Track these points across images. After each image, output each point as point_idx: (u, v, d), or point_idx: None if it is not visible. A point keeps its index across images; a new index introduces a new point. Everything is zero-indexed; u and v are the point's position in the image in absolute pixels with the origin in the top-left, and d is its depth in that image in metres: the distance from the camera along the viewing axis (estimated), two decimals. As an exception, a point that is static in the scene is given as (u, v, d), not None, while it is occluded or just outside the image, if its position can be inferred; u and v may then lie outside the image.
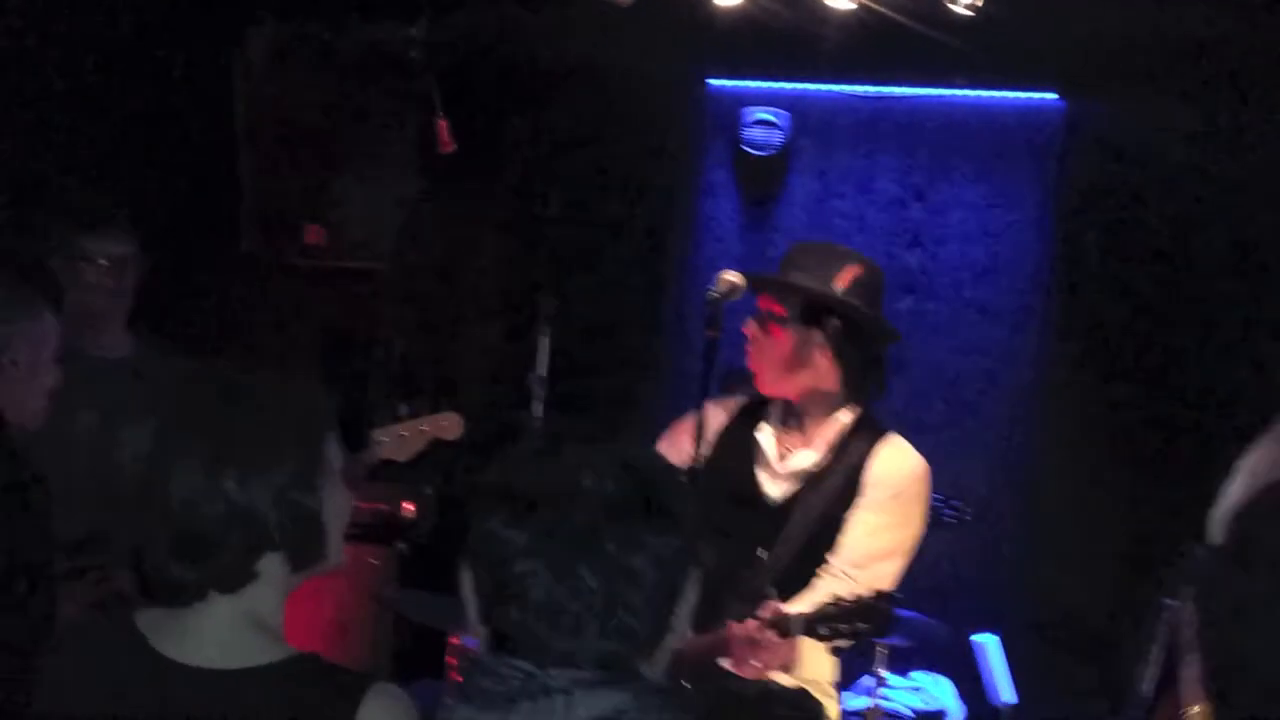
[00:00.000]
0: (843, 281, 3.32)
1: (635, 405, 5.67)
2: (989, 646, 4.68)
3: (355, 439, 4.33)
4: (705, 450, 3.33)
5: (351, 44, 5.19)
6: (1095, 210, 5.22)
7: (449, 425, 4.07)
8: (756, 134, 5.45)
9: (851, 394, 3.34)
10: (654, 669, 1.73)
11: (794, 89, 5.49)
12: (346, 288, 5.66)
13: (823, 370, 3.30)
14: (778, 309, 3.28)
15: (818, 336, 3.27)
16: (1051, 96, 5.28)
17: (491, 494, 1.71)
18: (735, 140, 5.51)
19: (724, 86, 5.58)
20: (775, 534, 3.28)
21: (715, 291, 3.18)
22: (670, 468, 1.84)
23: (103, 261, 3.68)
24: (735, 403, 3.49)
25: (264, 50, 5.26)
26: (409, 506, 5.13)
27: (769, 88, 5.51)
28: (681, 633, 1.75)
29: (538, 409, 4.92)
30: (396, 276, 5.59)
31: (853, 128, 5.46)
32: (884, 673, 4.16)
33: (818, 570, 3.25)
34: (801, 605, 3.09)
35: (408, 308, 5.74)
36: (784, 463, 3.34)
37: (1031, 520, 5.26)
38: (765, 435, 3.37)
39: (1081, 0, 4.30)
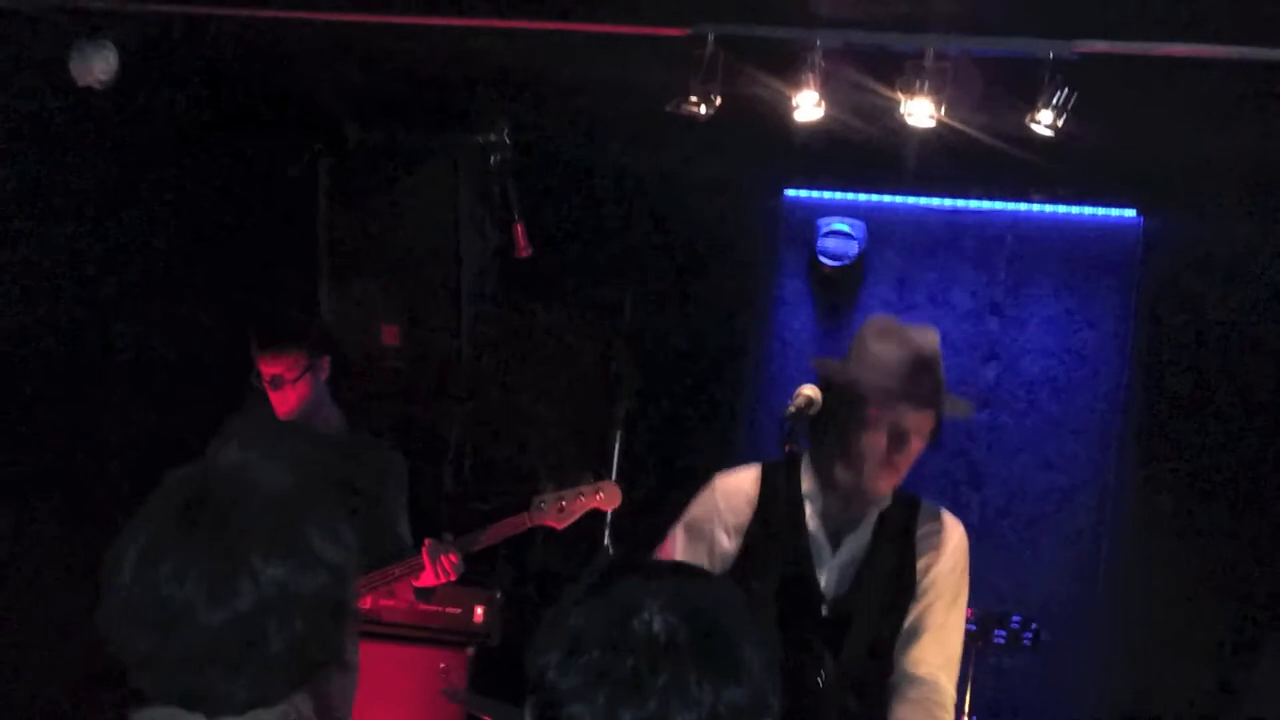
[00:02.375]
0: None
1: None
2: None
3: (430, 532, 4.37)
4: (740, 538, 3.24)
5: (431, 149, 5.27)
6: (1173, 325, 5.18)
7: (609, 496, 4.11)
8: (832, 244, 5.47)
9: None
10: None
11: (870, 200, 5.51)
12: (423, 388, 5.70)
13: None
14: (929, 424, 3.15)
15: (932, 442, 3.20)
16: (1130, 213, 5.26)
17: (546, 628, 1.59)
18: (811, 250, 5.52)
19: (801, 196, 5.61)
20: (837, 632, 3.19)
21: (793, 406, 3.10)
22: (739, 604, 1.64)
23: (278, 382, 4.22)
24: (752, 475, 3.31)
25: (344, 155, 5.36)
26: (479, 610, 5.12)
27: (845, 198, 5.53)
28: None
29: (608, 514, 4.91)
30: (471, 378, 5.63)
31: (929, 239, 5.47)
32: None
33: (887, 672, 3.16)
34: None
35: (482, 408, 5.77)
36: (836, 554, 3.22)
37: (1109, 636, 5.16)
38: (814, 520, 3.23)
39: (1159, 118, 4.29)
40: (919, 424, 3.15)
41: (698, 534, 3.31)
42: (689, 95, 3.90)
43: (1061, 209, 5.34)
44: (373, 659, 5.01)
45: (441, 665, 5.04)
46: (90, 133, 4.56)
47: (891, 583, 3.19)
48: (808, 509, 3.22)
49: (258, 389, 4.26)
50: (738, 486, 3.31)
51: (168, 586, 1.66)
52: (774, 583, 3.15)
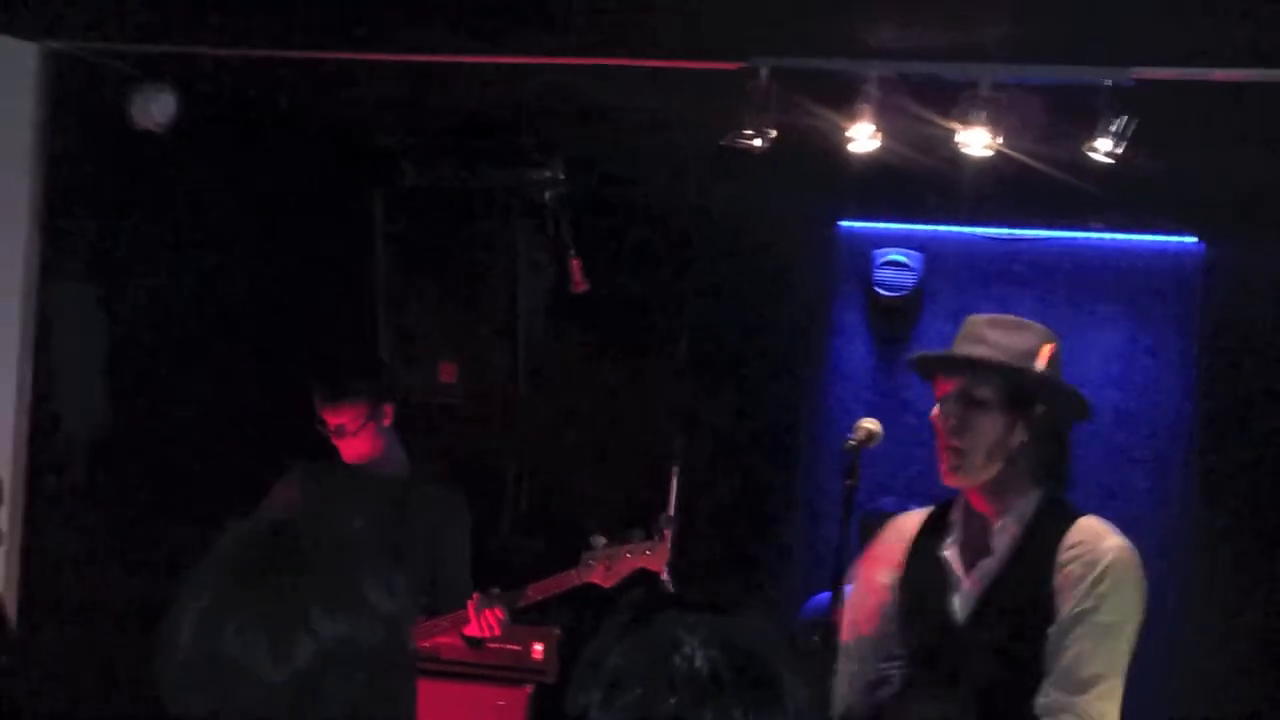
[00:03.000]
0: (1044, 360, 3.11)
1: (767, 547, 5.62)
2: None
3: (487, 572, 4.37)
4: (897, 573, 3.17)
5: (487, 186, 5.30)
6: (1237, 353, 5.11)
7: (657, 555, 4.07)
8: (888, 275, 5.44)
9: (1038, 481, 3.06)
10: None
11: (926, 230, 5.49)
12: (479, 424, 5.72)
13: (1020, 459, 3.03)
14: (981, 394, 3.02)
15: (1022, 423, 3.02)
16: (1190, 240, 5.21)
17: (585, 667, 1.54)
18: (867, 281, 5.50)
19: (856, 228, 5.59)
20: (970, 661, 3.03)
21: (854, 440, 3.07)
22: (781, 640, 1.59)
23: (342, 432, 4.28)
24: (920, 515, 3.23)
25: (401, 194, 5.40)
26: (538, 647, 5.10)
27: (901, 229, 5.51)
28: None
29: (667, 547, 4.89)
30: (528, 414, 5.64)
31: (986, 269, 5.43)
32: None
33: (1031, 700, 2.93)
34: None
35: (538, 445, 5.77)
36: (969, 575, 3.07)
37: (1172, 669, 5.08)
38: (949, 547, 3.11)
39: (1219, 144, 4.24)
40: (963, 388, 3.01)
41: (862, 575, 3.28)
42: (743, 129, 3.90)
43: (1121, 237, 5.29)
44: (430, 696, 4.96)
45: (500, 703, 5.02)
46: (148, 177, 4.62)
47: (1023, 606, 2.99)
48: (950, 536, 3.12)
49: (322, 436, 4.30)
50: (902, 524, 3.27)
51: (229, 647, 1.63)
52: (918, 610, 3.11)
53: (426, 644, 4.31)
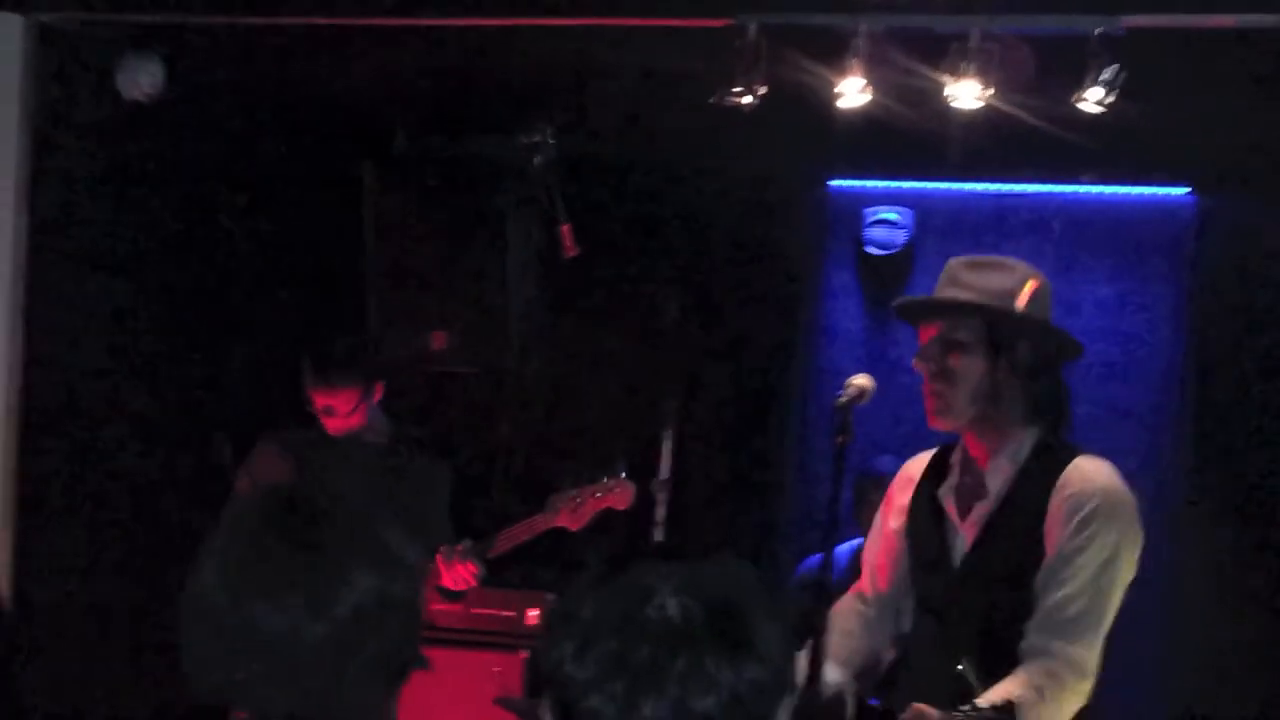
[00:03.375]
0: (1024, 299, 3.08)
1: (760, 509, 5.61)
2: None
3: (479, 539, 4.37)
4: (903, 520, 3.18)
5: (474, 151, 5.27)
6: (1229, 306, 5.10)
7: (621, 494, 4.07)
8: (879, 233, 5.43)
9: (1031, 421, 3.04)
10: None
11: (917, 187, 5.47)
12: (471, 391, 5.71)
13: (1007, 400, 3.02)
14: (960, 337, 3.02)
15: (1004, 363, 3.01)
16: (1183, 191, 5.19)
17: (557, 622, 1.55)
18: (858, 240, 5.48)
19: (846, 186, 5.57)
20: (961, 600, 3.03)
21: (845, 396, 3.02)
22: (755, 586, 1.59)
23: (333, 412, 4.25)
24: (925, 459, 3.22)
25: (391, 161, 5.37)
26: (533, 613, 5.10)
27: (891, 187, 5.49)
28: None
29: (660, 513, 4.88)
30: (520, 381, 5.62)
31: (978, 226, 5.41)
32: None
33: (1013, 639, 2.92)
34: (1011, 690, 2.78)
35: (531, 412, 5.76)
36: (965, 518, 3.07)
37: (1169, 627, 5.09)
38: (946, 490, 3.11)
39: (1211, 94, 4.22)
40: (942, 333, 3.02)
41: (880, 519, 3.29)
42: (732, 86, 3.88)
43: (1113, 190, 5.27)
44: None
45: (496, 669, 5.02)
46: (136, 146, 4.59)
47: (1017, 549, 2.97)
48: (947, 480, 3.13)
49: (309, 413, 4.29)
50: (908, 470, 3.27)
51: (266, 609, 1.67)
52: (922, 557, 3.12)
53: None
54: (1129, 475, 5.16)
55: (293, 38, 4.29)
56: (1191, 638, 5.02)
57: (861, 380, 3.08)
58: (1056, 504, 2.95)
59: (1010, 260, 3.20)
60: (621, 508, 4.15)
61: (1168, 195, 5.24)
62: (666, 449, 4.75)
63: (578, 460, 5.47)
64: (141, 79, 4.30)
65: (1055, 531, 2.94)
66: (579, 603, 1.54)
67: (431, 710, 4.95)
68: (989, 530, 3.04)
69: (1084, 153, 4.60)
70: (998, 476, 3.05)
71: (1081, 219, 5.31)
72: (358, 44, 4.41)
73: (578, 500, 4.09)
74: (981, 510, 3.06)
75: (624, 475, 4.14)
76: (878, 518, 3.30)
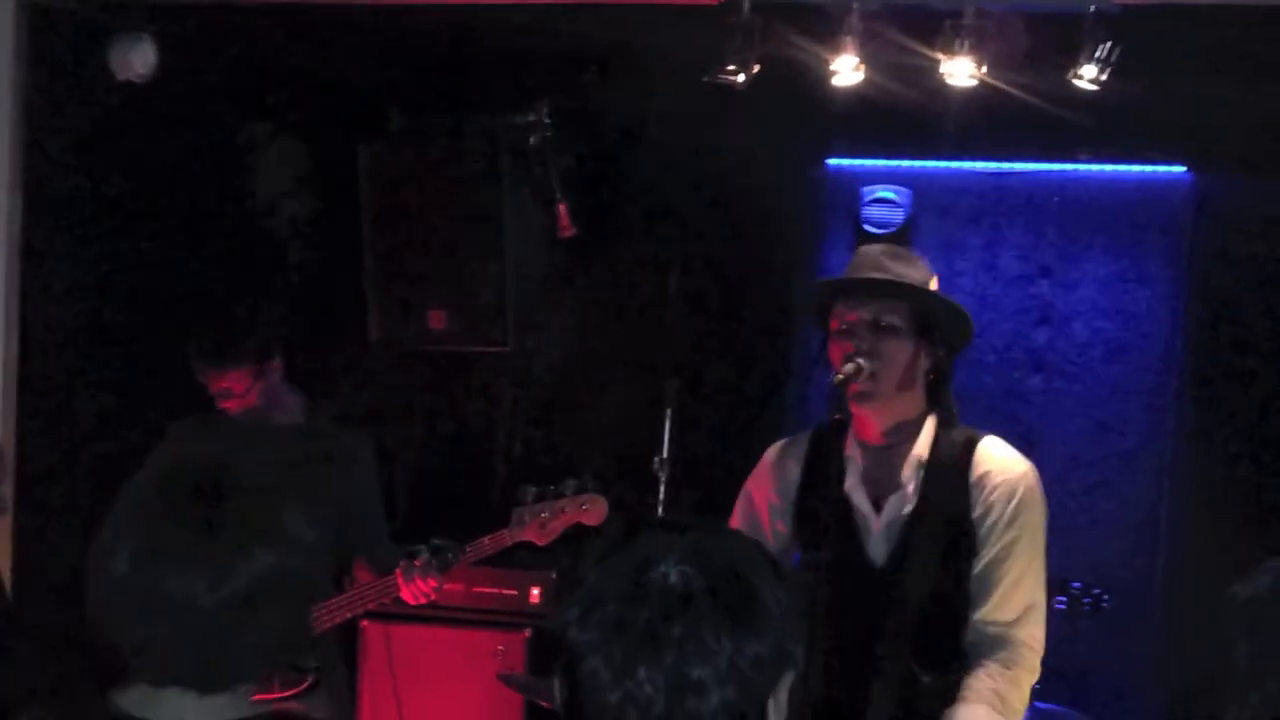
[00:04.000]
0: (935, 283, 3.14)
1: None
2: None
3: (485, 520, 4.34)
4: (786, 516, 3.16)
5: (470, 130, 5.27)
6: (1227, 283, 5.09)
7: (593, 510, 3.94)
8: (876, 212, 5.41)
9: (931, 406, 3.10)
10: None
11: (914, 166, 5.45)
12: (469, 371, 5.71)
13: (919, 387, 3.07)
14: (893, 320, 3.03)
15: (926, 347, 3.06)
16: (1180, 170, 5.18)
17: (566, 588, 1.61)
18: (855, 219, 5.47)
19: (843, 165, 5.55)
20: (890, 600, 3.02)
21: (841, 374, 3.03)
22: (759, 557, 1.63)
23: (226, 394, 4.01)
24: (795, 448, 3.23)
25: (387, 140, 5.37)
26: (535, 591, 5.11)
27: (889, 165, 5.47)
28: None
29: (662, 492, 4.88)
30: (519, 360, 5.63)
31: (975, 204, 5.40)
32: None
33: (963, 630, 2.98)
34: (989, 715, 2.87)
35: (530, 390, 5.77)
36: (880, 516, 3.07)
37: (1171, 603, 5.10)
38: (851, 484, 3.09)
39: (1207, 71, 4.21)
40: (871, 315, 3.02)
41: (751, 506, 3.28)
42: (726, 64, 3.87)
43: (1110, 168, 5.26)
44: (428, 642, 5.03)
45: (499, 648, 5.04)
46: (130, 127, 4.58)
47: (942, 542, 3.01)
48: (849, 474, 3.11)
49: (206, 398, 4.09)
50: (786, 455, 3.26)
51: (169, 576, 1.76)
52: (825, 554, 3.05)
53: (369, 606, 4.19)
54: (1132, 453, 5.23)
55: (284, 15, 4.29)
56: (1193, 617, 5.01)
57: (860, 360, 3.08)
58: (983, 493, 3.00)
59: (913, 253, 3.24)
60: (593, 524, 4.02)
61: (1165, 173, 5.22)
62: (667, 426, 4.72)
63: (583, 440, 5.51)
64: (134, 59, 4.29)
65: (988, 521, 2.99)
66: (586, 570, 1.59)
67: (435, 688, 4.98)
68: (912, 525, 3.04)
69: (1080, 131, 4.59)
70: (910, 466, 3.07)
71: (1079, 197, 5.29)
72: (351, 22, 4.40)
73: (545, 517, 3.89)
74: (897, 503, 3.06)
75: (592, 489, 3.93)
76: (746, 513, 3.25)
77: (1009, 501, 2.99)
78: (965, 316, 3.14)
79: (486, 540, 3.98)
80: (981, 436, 3.09)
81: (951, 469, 3.03)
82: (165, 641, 1.77)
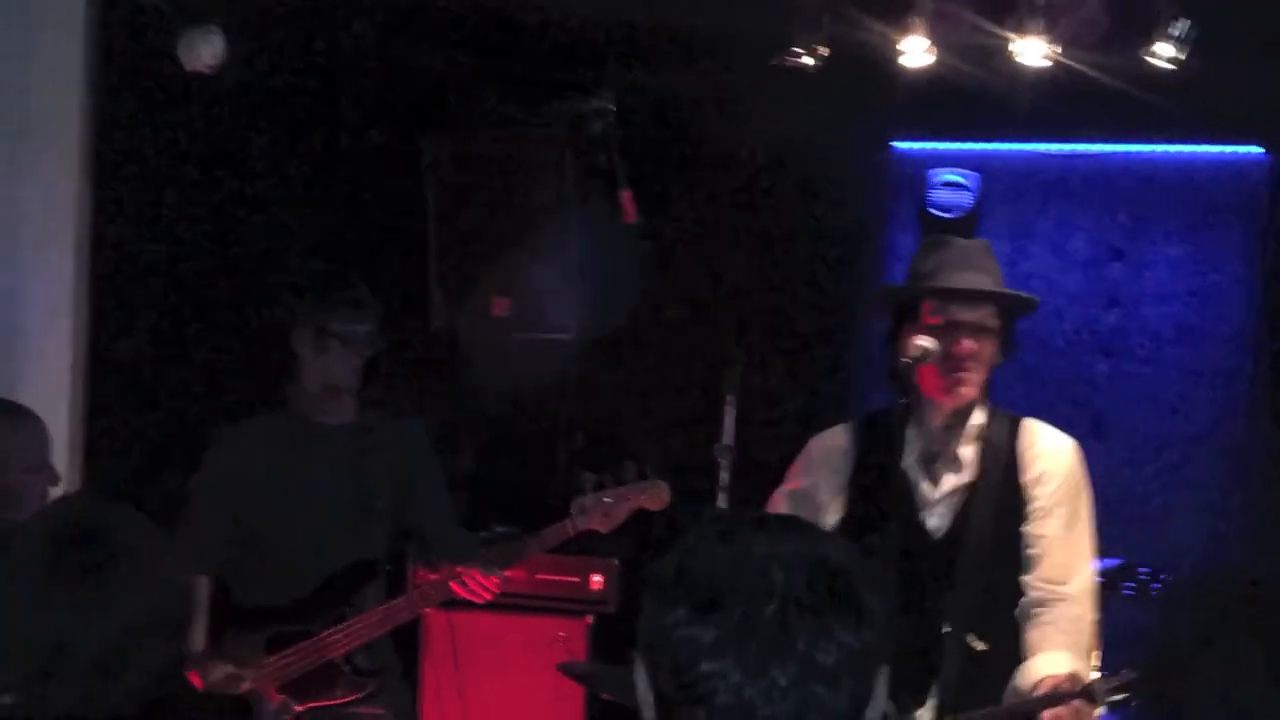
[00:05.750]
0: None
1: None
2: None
3: (544, 509, 4.34)
4: (842, 494, 3.25)
5: (536, 119, 5.26)
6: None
7: (655, 495, 3.95)
8: (944, 196, 5.36)
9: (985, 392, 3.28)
10: None
11: (982, 149, 5.39)
12: (532, 358, 5.71)
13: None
14: (990, 323, 3.20)
15: (1004, 346, 3.24)
16: (1257, 151, 5.09)
17: (669, 585, 1.57)
18: (922, 203, 5.42)
19: (910, 149, 5.50)
20: (949, 570, 3.17)
21: (909, 358, 3.11)
22: (863, 558, 1.63)
23: (356, 339, 3.88)
24: (846, 432, 3.35)
25: (452, 128, 5.38)
26: (597, 578, 5.10)
27: (956, 148, 5.42)
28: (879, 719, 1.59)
29: (724, 479, 4.85)
30: (582, 347, 5.62)
31: (1044, 187, 5.33)
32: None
33: (1020, 597, 3.14)
34: (1072, 660, 3.02)
35: (594, 378, 5.75)
36: (937, 488, 3.23)
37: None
38: (912, 463, 3.24)
39: (1285, 48, 4.13)
40: (975, 318, 3.15)
41: (799, 498, 3.31)
42: (794, 47, 3.85)
43: (1183, 149, 5.18)
44: (490, 630, 5.03)
45: (561, 634, 5.04)
46: (198, 120, 4.61)
47: (1000, 509, 3.16)
48: (906, 453, 3.21)
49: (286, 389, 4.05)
50: (833, 444, 3.35)
51: (40, 618, 1.89)
52: (885, 533, 3.12)
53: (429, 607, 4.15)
54: (1201, 436, 5.16)
55: (349, 6, 4.30)
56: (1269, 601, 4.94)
57: (925, 342, 3.16)
58: (1031, 465, 3.20)
59: (977, 242, 3.45)
60: (656, 509, 4.01)
61: (1241, 154, 5.14)
62: (730, 413, 4.68)
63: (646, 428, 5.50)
64: (203, 50, 4.31)
65: (1038, 491, 3.18)
66: (695, 565, 1.56)
67: (497, 675, 4.99)
68: (970, 498, 3.20)
69: (1153, 111, 4.52)
70: (968, 445, 3.23)
71: (1151, 180, 5.21)
72: (418, 10, 4.41)
73: (609, 503, 3.88)
74: (955, 476, 3.22)
75: (652, 476, 3.93)
76: (796, 491, 3.34)
77: (1059, 472, 3.19)
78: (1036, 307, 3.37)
79: (547, 532, 3.97)
80: (1022, 418, 3.28)
81: (1002, 445, 3.21)
82: (41, 681, 1.87)
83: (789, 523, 1.63)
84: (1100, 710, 2.96)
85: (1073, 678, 2.98)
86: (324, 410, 4.03)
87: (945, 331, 3.16)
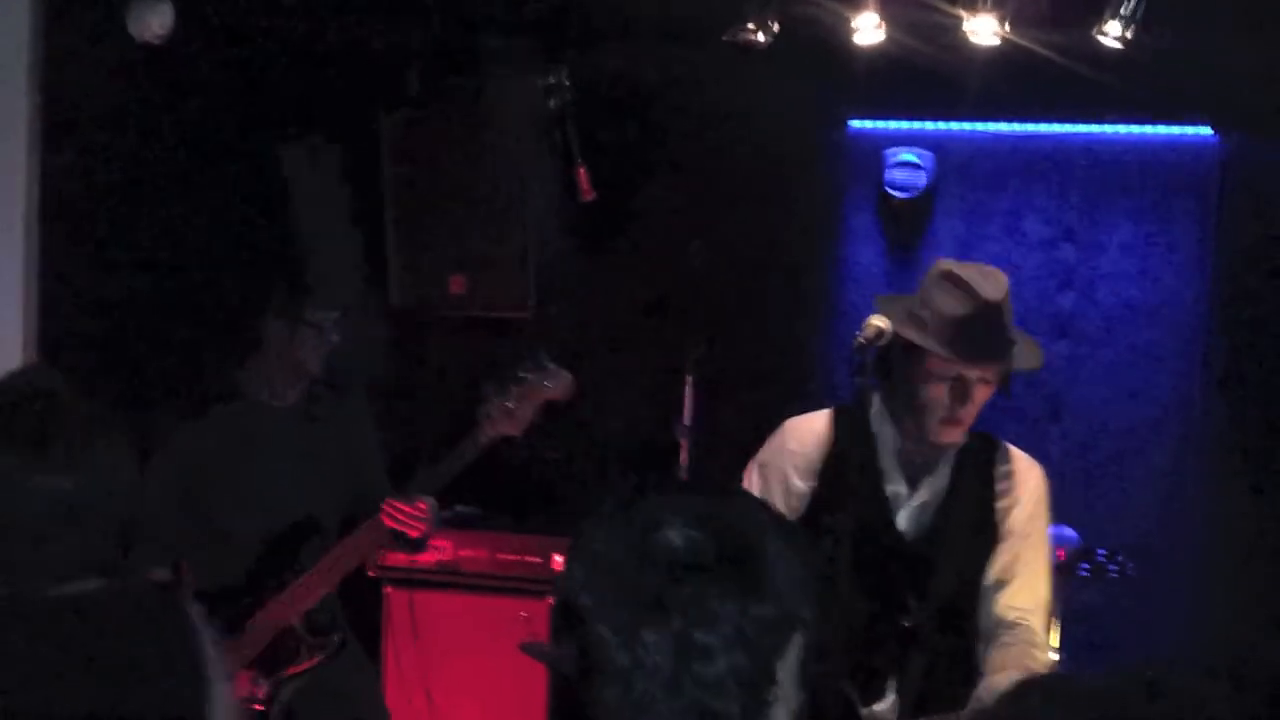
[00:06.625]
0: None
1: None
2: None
3: (504, 486, 4.31)
4: (810, 483, 3.24)
5: (491, 94, 5.24)
6: (1254, 246, 5.02)
7: (559, 384, 3.82)
8: (899, 176, 5.35)
9: None
10: None
11: (938, 129, 5.40)
12: (490, 336, 5.69)
13: None
14: (990, 378, 3.18)
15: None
16: (1206, 131, 5.11)
17: (570, 554, 1.58)
18: (878, 183, 5.42)
19: (865, 128, 5.50)
20: (917, 570, 3.19)
21: (863, 337, 3.10)
22: (767, 519, 1.60)
23: (325, 325, 3.97)
24: (824, 420, 3.31)
25: (407, 105, 5.35)
26: (559, 558, 5.10)
27: (912, 128, 5.42)
28: (794, 698, 1.56)
29: (684, 457, 4.85)
30: (540, 325, 5.60)
31: (999, 167, 5.33)
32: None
33: (979, 609, 3.16)
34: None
35: (551, 356, 5.73)
36: (913, 493, 3.24)
37: (1200, 570, 5.05)
38: (889, 461, 3.25)
39: (1235, 28, 4.14)
40: (982, 375, 3.14)
41: (770, 476, 3.30)
42: (746, 23, 3.84)
43: (1136, 130, 5.19)
44: (451, 609, 5.03)
45: (522, 614, 5.04)
46: (147, 88, 4.57)
47: (972, 525, 3.19)
48: (881, 450, 3.21)
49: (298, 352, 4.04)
50: (809, 428, 3.31)
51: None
52: (851, 525, 3.09)
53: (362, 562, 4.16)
54: (1154, 420, 5.17)
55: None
56: (1223, 583, 4.98)
57: (879, 321, 3.15)
58: (1007, 489, 3.22)
59: (1003, 281, 3.28)
60: (563, 398, 3.84)
61: (1192, 135, 5.15)
62: (689, 393, 4.68)
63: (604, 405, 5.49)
64: (152, 20, 4.27)
65: (1012, 513, 3.21)
66: (593, 534, 1.56)
67: (458, 654, 4.98)
68: (946, 505, 3.21)
69: (1106, 91, 4.54)
70: (948, 452, 3.23)
71: (1104, 160, 5.21)
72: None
73: (511, 405, 3.78)
74: (934, 483, 3.22)
75: (548, 365, 3.79)
76: (765, 474, 3.31)
77: (1030, 498, 3.22)
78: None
79: (458, 449, 3.87)
80: (994, 437, 3.30)
81: (979, 461, 3.23)
82: None
83: (696, 489, 1.62)
84: None
85: None
86: (278, 394, 4.06)
87: (953, 382, 3.14)
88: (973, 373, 3.13)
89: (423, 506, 3.88)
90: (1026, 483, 3.24)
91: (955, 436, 3.19)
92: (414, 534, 3.93)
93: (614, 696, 1.50)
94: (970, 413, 3.16)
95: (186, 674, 2.06)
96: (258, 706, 3.96)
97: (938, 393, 3.12)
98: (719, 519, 1.53)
